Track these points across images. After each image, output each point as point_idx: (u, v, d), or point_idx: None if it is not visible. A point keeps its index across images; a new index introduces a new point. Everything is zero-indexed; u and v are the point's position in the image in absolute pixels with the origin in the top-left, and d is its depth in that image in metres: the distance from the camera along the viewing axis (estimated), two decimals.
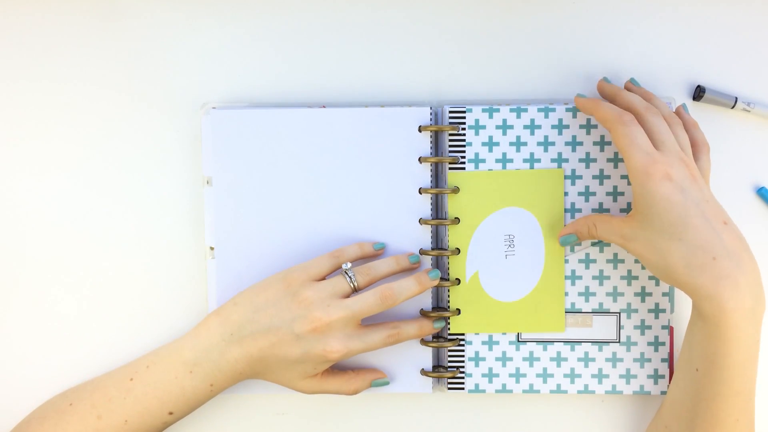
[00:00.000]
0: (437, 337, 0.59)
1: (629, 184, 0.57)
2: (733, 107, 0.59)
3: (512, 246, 0.58)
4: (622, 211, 0.58)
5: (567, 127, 0.57)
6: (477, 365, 0.59)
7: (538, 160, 0.58)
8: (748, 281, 0.47)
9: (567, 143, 0.57)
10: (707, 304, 0.47)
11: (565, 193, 0.58)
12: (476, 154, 0.58)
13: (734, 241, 0.48)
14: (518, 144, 0.58)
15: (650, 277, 0.58)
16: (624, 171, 0.57)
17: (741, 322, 0.47)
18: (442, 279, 0.58)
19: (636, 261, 0.58)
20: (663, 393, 0.58)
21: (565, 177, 0.58)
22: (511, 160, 0.58)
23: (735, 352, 0.48)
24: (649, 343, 0.58)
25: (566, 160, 0.58)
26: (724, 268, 0.47)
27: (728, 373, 0.48)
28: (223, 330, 0.54)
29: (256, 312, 0.54)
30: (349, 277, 0.54)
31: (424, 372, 0.59)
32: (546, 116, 0.57)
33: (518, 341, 0.59)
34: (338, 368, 0.58)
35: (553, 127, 0.57)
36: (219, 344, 0.54)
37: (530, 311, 0.58)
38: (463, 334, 0.59)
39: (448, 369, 0.59)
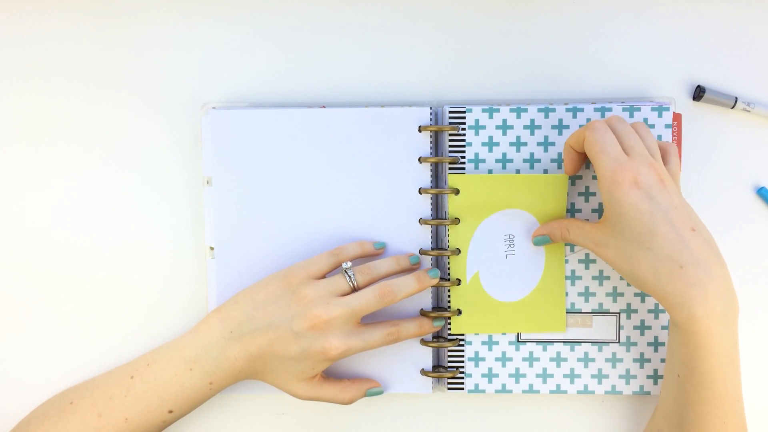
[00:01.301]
0: (437, 337, 0.59)
1: None
2: (733, 107, 0.59)
3: (512, 246, 0.57)
4: None
5: (567, 127, 0.57)
6: (477, 365, 0.59)
7: (538, 161, 0.58)
8: (717, 287, 0.47)
9: None
10: (677, 311, 0.47)
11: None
12: (476, 155, 0.58)
13: (702, 248, 0.48)
14: (518, 144, 0.58)
15: None
16: None
17: (713, 327, 0.47)
18: (442, 279, 0.58)
19: None
20: None
21: None
22: (511, 161, 0.58)
23: (711, 357, 0.48)
24: (649, 344, 0.58)
25: None
26: (692, 276, 0.47)
27: (708, 377, 0.48)
28: (223, 327, 0.55)
29: (256, 310, 0.54)
30: (349, 276, 0.55)
31: (424, 372, 0.59)
32: (546, 116, 0.57)
33: (518, 341, 0.59)
34: (334, 376, 0.58)
35: (553, 127, 0.57)
36: (219, 342, 0.54)
37: (531, 311, 0.58)
38: (463, 335, 0.59)
39: (448, 369, 0.59)
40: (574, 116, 0.57)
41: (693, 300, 0.47)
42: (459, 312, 0.58)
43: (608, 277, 0.58)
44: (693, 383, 0.49)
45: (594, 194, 0.58)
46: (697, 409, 0.49)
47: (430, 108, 0.58)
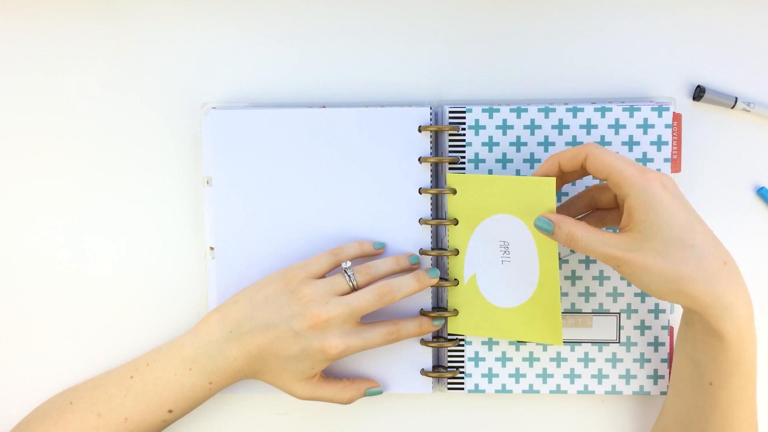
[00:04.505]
0: (437, 337, 0.59)
1: None
2: (733, 107, 0.59)
3: (507, 253, 0.56)
4: None
5: (567, 127, 0.57)
6: (477, 365, 0.59)
7: (539, 161, 0.57)
8: (745, 285, 0.48)
9: (567, 143, 0.57)
10: (726, 313, 0.46)
11: (565, 194, 0.58)
12: (476, 155, 0.58)
13: (725, 248, 0.48)
14: (518, 144, 0.58)
15: None
16: None
17: (751, 326, 0.47)
18: (441, 279, 0.58)
19: None
20: (663, 393, 0.58)
21: None
22: (511, 161, 0.58)
23: (750, 357, 0.48)
24: (649, 344, 0.58)
25: None
26: (734, 273, 0.47)
27: (745, 380, 0.48)
28: (222, 327, 0.55)
29: (255, 309, 0.54)
30: (349, 275, 0.55)
31: (424, 372, 0.59)
32: (546, 116, 0.57)
33: (518, 342, 0.59)
34: (334, 376, 0.58)
35: (553, 127, 0.57)
36: (218, 341, 0.54)
37: (526, 320, 0.55)
38: (462, 335, 0.59)
39: (448, 369, 0.59)
40: (574, 116, 0.57)
41: (739, 299, 0.46)
42: (456, 312, 0.58)
43: (608, 277, 0.58)
44: (730, 388, 0.48)
45: None
46: (728, 414, 0.49)
47: (430, 108, 0.58)
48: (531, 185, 0.52)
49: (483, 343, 0.59)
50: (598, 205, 0.54)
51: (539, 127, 0.57)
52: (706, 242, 0.47)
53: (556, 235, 0.50)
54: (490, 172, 0.58)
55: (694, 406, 0.51)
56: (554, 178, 0.51)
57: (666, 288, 0.46)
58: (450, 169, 0.58)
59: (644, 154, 0.57)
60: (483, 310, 0.57)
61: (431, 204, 0.58)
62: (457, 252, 0.57)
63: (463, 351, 0.59)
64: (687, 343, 0.51)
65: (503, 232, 0.55)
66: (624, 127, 0.57)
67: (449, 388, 0.59)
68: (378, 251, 0.58)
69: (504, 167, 0.58)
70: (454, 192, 0.57)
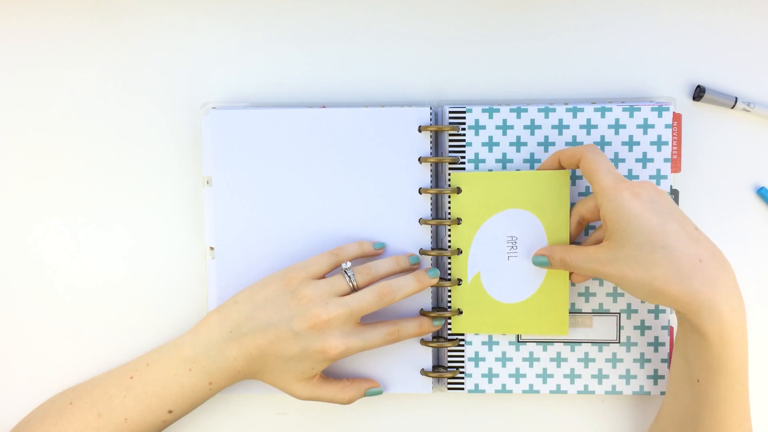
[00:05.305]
0: (437, 337, 0.59)
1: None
2: (733, 107, 0.59)
3: (515, 247, 0.57)
4: None
5: (567, 127, 0.57)
6: (477, 365, 0.59)
7: (538, 161, 0.58)
8: (734, 282, 0.47)
9: (567, 143, 0.57)
10: (704, 311, 0.46)
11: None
12: (476, 155, 0.58)
13: (710, 244, 0.48)
14: (518, 144, 0.58)
15: None
16: (623, 171, 0.57)
17: (737, 324, 0.47)
18: (441, 279, 0.58)
19: None
20: (663, 393, 0.58)
21: None
22: (511, 161, 0.58)
23: (737, 356, 0.47)
24: (649, 344, 0.58)
25: None
26: (713, 269, 0.47)
27: (733, 379, 0.48)
28: (222, 327, 0.55)
29: (256, 309, 0.54)
30: (349, 276, 0.55)
31: (424, 372, 0.59)
32: (546, 116, 0.57)
33: (518, 342, 0.59)
34: (334, 376, 0.58)
35: (553, 127, 0.57)
36: (218, 342, 0.54)
37: (532, 313, 0.57)
38: (463, 335, 0.59)
39: (448, 369, 0.59)
40: (574, 116, 0.57)
41: (718, 295, 0.46)
42: (459, 312, 0.58)
43: None
44: (716, 386, 0.48)
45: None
46: (716, 413, 0.49)
47: (430, 108, 0.58)
48: (545, 178, 0.55)
49: (483, 343, 0.59)
50: (587, 220, 0.56)
51: (539, 127, 0.57)
52: (679, 242, 0.47)
53: (554, 266, 0.55)
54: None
55: (686, 403, 0.51)
56: (568, 171, 0.54)
57: (644, 292, 0.48)
58: (450, 169, 0.58)
59: (644, 154, 0.57)
60: (487, 308, 0.57)
61: (431, 204, 0.58)
62: (459, 251, 0.57)
63: (463, 351, 0.59)
64: (680, 341, 0.51)
65: (512, 227, 0.57)
66: (624, 127, 0.57)
67: (449, 388, 0.59)
68: (378, 251, 0.58)
69: (504, 167, 0.58)
70: (458, 191, 0.57)
